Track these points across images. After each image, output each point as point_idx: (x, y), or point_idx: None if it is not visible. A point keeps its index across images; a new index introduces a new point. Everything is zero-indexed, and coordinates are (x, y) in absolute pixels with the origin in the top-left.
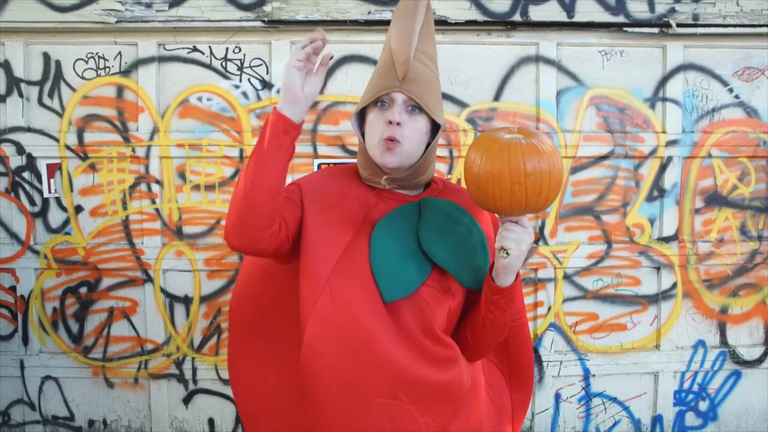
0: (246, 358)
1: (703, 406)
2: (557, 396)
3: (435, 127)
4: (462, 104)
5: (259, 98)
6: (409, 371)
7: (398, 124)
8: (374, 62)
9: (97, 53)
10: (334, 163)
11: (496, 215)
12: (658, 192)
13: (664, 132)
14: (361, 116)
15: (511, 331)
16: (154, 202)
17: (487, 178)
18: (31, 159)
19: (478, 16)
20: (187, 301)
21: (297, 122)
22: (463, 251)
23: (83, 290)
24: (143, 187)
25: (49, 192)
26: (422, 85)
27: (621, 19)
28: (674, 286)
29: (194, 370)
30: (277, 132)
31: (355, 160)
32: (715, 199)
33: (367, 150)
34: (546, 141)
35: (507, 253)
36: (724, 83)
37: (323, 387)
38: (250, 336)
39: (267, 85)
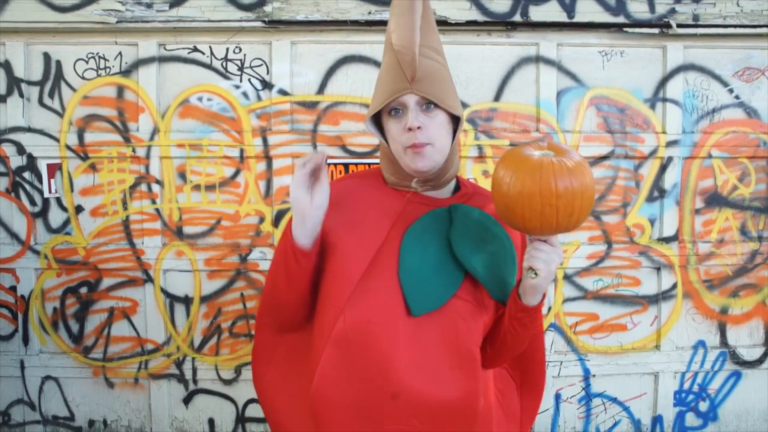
0: (270, 363)
1: (703, 406)
2: (557, 396)
3: (453, 120)
4: (462, 104)
5: (259, 98)
6: (425, 397)
7: (419, 128)
8: (374, 62)
9: (97, 53)
10: (335, 164)
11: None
12: (658, 192)
13: (664, 132)
14: (377, 120)
15: (529, 360)
16: (154, 202)
17: (517, 198)
18: (31, 159)
19: (478, 17)
20: (187, 301)
21: (308, 247)
22: (494, 261)
23: (83, 290)
24: (143, 187)
25: (50, 192)
26: (433, 81)
27: (621, 19)
28: (674, 286)
29: (194, 370)
30: (290, 260)
31: (358, 161)
32: (715, 200)
33: (392, 155)
34: (577, 158)
35: (535, 274)
36: (724, 83)
37: (334, 414)
38: (277, 342)
39: (267, 85)
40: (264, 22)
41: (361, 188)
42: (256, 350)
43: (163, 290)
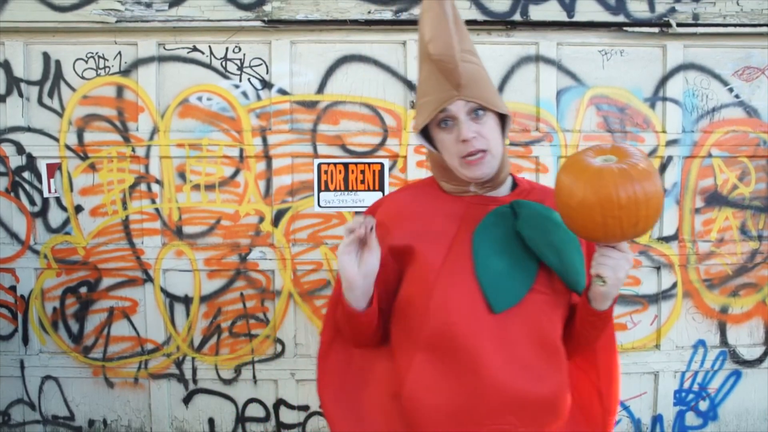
0: (338, 388)
1: (703, 405)
2: None
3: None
4: None
5: (259, 98)
6: (518, 393)
7: (473, 138)
8: (374, 62)
9: (97, 53)
10: (334, 163)
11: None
12: None
13: (664, 132)
14: (422, 130)
15: (603, 354)
16: (154, 201)
17: (578, 209)
18: (31, 159)
19: (478, 16)
20: (187, 300)
21: (362, 308)
22: (562, 249)
23: (83, 290)
24: (143, 186)
25: (49, 192)
26: (478, 85)
27: (621, 18)
28: (674, 285)
29: (194, 370)
30: (350, 318)
31: (358, 161)
32: (715, 199)
33: (445, 164)
34: (641, 162)
35: (603, 281)
36: (724, 83)
37: (431, 419)
38: (351, 355)
39: (267, 84)
40: (263, 21)
41: (419, 198)
42: (326, 367)
43: (162, 290)
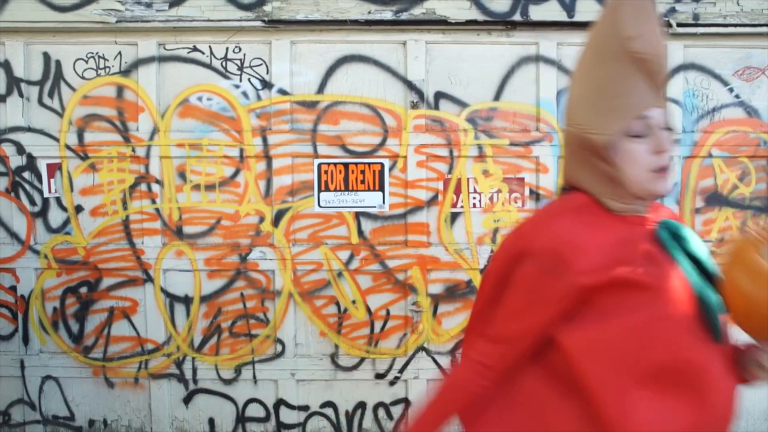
0: None
1: None
2: None
3: None
4: (462, 104)
5: (259, 98)
6: (730, 422)
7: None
8: (374, 62)
9: (97, 53)
10: (335, 163)
11: None
12: None
13: None
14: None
15: None
16: (154, 201)
17: (742, 311)
18: (31, 159)
19: (478, 16)
20: (187, 300)
21: None
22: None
23: (83, 290)
24: (143, 186)
25: (50, 192)
26: (665, 93)
27: None
28: None
29: (194, 370)
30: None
31: (358, 161)
32: (715, 199)
33: (619, 179)
34: None
35: (764, 372)
36: (725, 83)
37: None
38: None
39: (267, 84)
40: (264, 21)
41: (590, 224)
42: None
43: (163, 290)
